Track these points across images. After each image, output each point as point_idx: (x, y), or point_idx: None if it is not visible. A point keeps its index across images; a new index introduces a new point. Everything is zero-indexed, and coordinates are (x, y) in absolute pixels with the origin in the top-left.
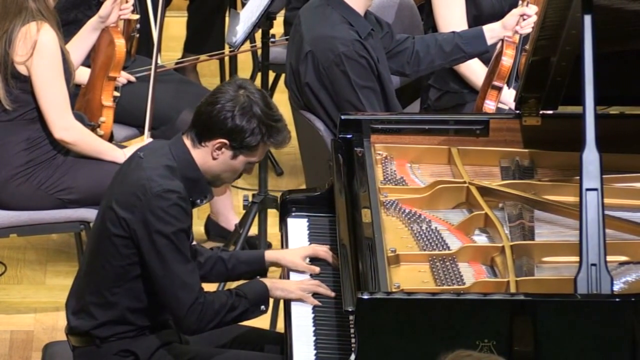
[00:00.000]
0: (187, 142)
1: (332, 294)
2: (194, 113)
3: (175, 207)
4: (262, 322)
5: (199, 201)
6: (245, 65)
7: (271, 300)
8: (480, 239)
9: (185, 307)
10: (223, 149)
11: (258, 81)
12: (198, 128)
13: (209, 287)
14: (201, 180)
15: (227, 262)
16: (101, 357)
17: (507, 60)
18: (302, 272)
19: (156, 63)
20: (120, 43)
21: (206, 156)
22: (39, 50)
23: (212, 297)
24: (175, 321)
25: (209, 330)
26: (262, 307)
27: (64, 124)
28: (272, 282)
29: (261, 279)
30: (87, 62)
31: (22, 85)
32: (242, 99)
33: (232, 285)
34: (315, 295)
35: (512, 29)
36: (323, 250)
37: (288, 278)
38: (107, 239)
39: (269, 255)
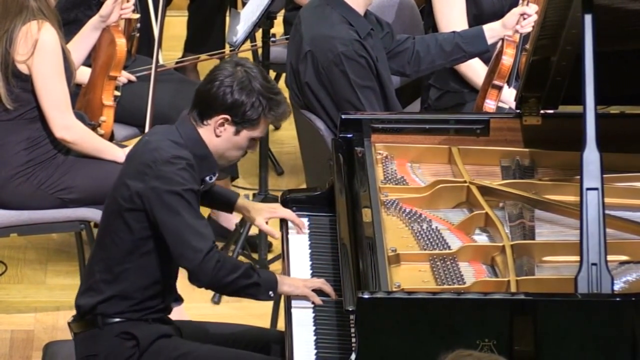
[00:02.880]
0: (192, 122)
1: (335, 296)
2: (194, 93)
3: (184, 171)
4: (262, 321)
5: (207, 178)
6: None
7: None
8: (481, 239)
9: (202, 254)
10: (225, 125)
11: None
12: (199, 107)
13: None
14: (209, 157)
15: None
16: (103, 338)
17: (507, 60)
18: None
19: (157, 62)
20: (121, 42)
21: (210, 134)
22: (40, 49)
23: (227, 256)
24: (191, 271)
25: (223, 286)
26: (271, 293)
27: (64, 123)
28: (280, 277)
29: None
30: (87, 62)
31: (23, 85)
32: (240, 74)
33: None
34: (318, 293)
35: (512, 28)
36: (288, 213)
37: (289, 274)
38: (117, 214)
39: (239, 203)
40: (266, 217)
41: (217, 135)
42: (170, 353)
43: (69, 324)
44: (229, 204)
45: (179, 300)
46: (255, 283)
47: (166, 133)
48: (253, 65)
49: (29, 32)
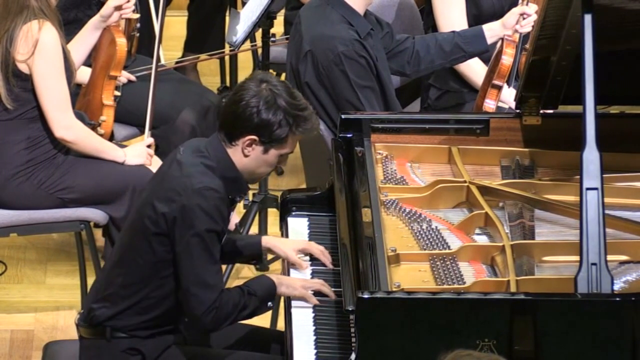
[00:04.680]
0: (221, 142)
1: (334, 296)
2: (219, 114)
3: (212, 207)
4: (262, 321)
5: (237, 198)
6: (245, 65)
7: None
8: (481, 239)
9: (204, 307)
10: (253, 145)
11: None
12: (226, 128)
13: None
14: (239, 179)
15: (224, 245)
16: (109, 351)
17: (507, 59)
18: (293, 266)
19: (157, 62)
20: (121, 42)
21: (239, 154)
22: (41, 48)
23: (227, 297)
24: (190, 318)
25: (220, 329)
26: (269, 303)
27: (64, 123)
28: (278, 278)
29: (268, 275)
30: (87, 62)
31: (23, 84)
32: (265, 93)
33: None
34: (317, 294)
35: (511, 27)
36: (318, 249)
37: (288, 274)
38: (142, 235)
39: (266, 241)
40: (297, 248)
41: (246, 155)
42: None
43: (77, 324)
44: (255, 254)
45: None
46: (252, 311)
47: (198, 155)
48: (278, 81)
49: (29, 31)
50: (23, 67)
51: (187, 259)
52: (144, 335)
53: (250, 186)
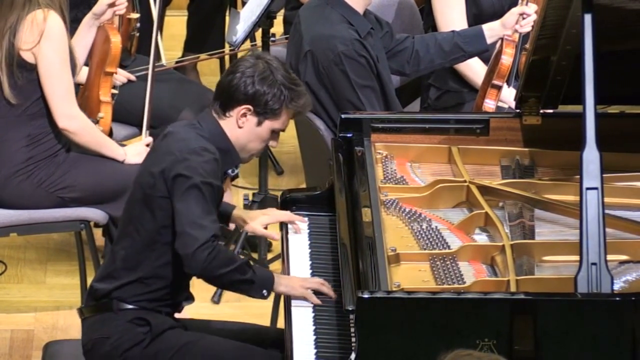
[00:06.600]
0: (214, 114)
1: (334, 295)
2: (215, 86)
3: (207, 164)
4: (262, 319)
5: (230, 171)
6: None
7: (272, 296)
8: (481, 238)
9: (198, 243)
10: (248, 116)
11: None
12: (221, 99)
13: None
14: (231, 151)
15: None
16: (116, 322)
17: (506, 59)
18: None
19: (154, 62)
20: (116, 39)
21: (232, 126)
22: (47, 36)
23: (224, 248)
24: (184, 258)
25: (215, 278)
26: (264, 292)
27: (67, 112)
28: (277, 276)
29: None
30: (86, 62)
31: (28, 75)
32: (261, 66)
33: None
34: (316, 293)
35: (511, 27)
36: (285, 215)
37: (288, 273)
38: (142, 202)
39: (235, 213)
40: (264, 222)
41: (240, 127)
42: (177, 341)
43: (79, 308)
44: (225, 215)
45: (190, 299)
46: (249, 280)
47: (190, 127)
48: (274, 58)
49: (34, 20)
50: (28, 56)
51: (184, 207)
52: (150, 307)
53: (250, 186)
